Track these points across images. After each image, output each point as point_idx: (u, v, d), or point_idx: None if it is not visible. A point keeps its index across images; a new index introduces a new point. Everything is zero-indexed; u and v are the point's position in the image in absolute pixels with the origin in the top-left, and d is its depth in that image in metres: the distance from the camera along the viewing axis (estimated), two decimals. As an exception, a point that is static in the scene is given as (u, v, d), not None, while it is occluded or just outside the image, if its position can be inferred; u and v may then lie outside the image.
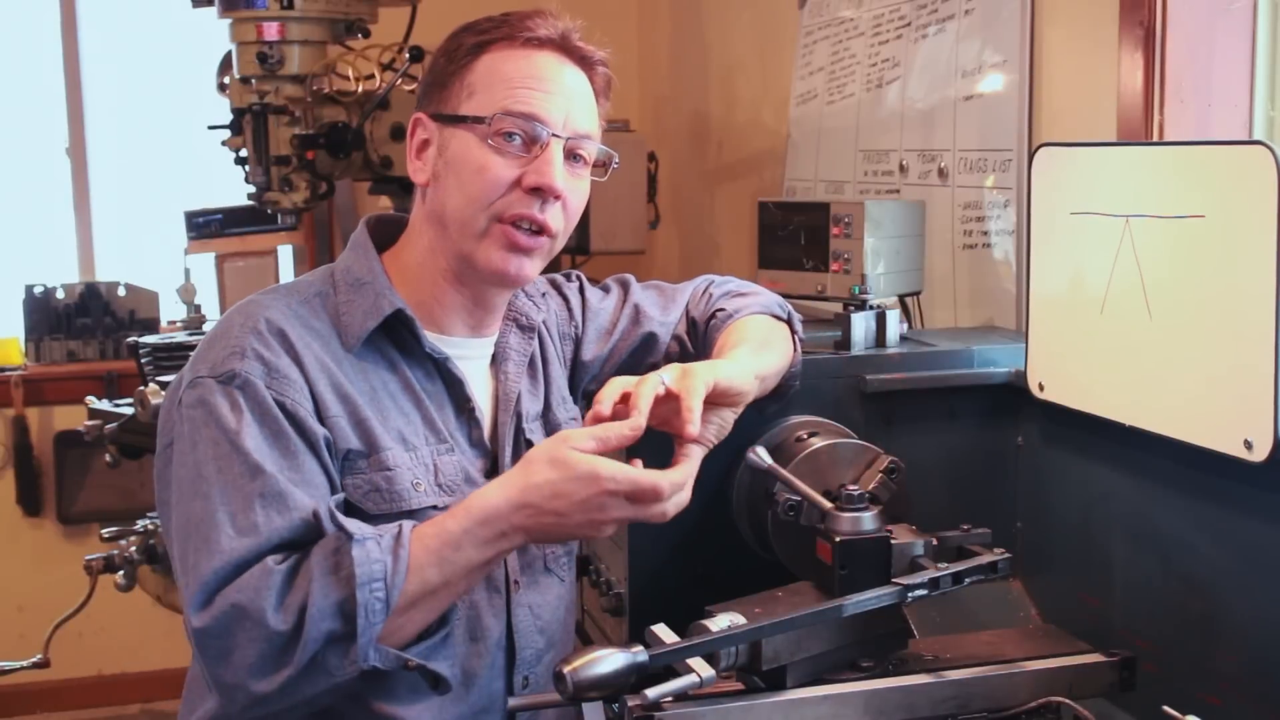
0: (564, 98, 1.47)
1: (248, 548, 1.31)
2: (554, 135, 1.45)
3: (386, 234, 1.57)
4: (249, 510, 1.32)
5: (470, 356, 1.55)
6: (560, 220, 1.48)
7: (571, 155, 1.47)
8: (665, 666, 1.32)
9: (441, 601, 1.36)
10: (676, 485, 1.36)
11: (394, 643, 1.33)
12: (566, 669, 1.21)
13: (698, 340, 1.71)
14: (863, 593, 1.36)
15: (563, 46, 1.48)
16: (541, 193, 1.44)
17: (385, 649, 1.31)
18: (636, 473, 1.33)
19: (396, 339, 1.49)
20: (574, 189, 1.48)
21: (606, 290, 1.76)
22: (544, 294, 1.68)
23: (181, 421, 1.39)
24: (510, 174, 1.44)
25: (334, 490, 1.40)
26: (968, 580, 1.41)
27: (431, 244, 1.50)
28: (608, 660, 1.22)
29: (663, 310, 1.73)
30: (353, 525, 1.34)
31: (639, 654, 1.23)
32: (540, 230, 1.46)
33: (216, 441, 1.36)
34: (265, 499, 1.32)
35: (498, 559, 1.38)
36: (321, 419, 1.40)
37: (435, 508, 1.44)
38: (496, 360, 1.59)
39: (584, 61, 1.50)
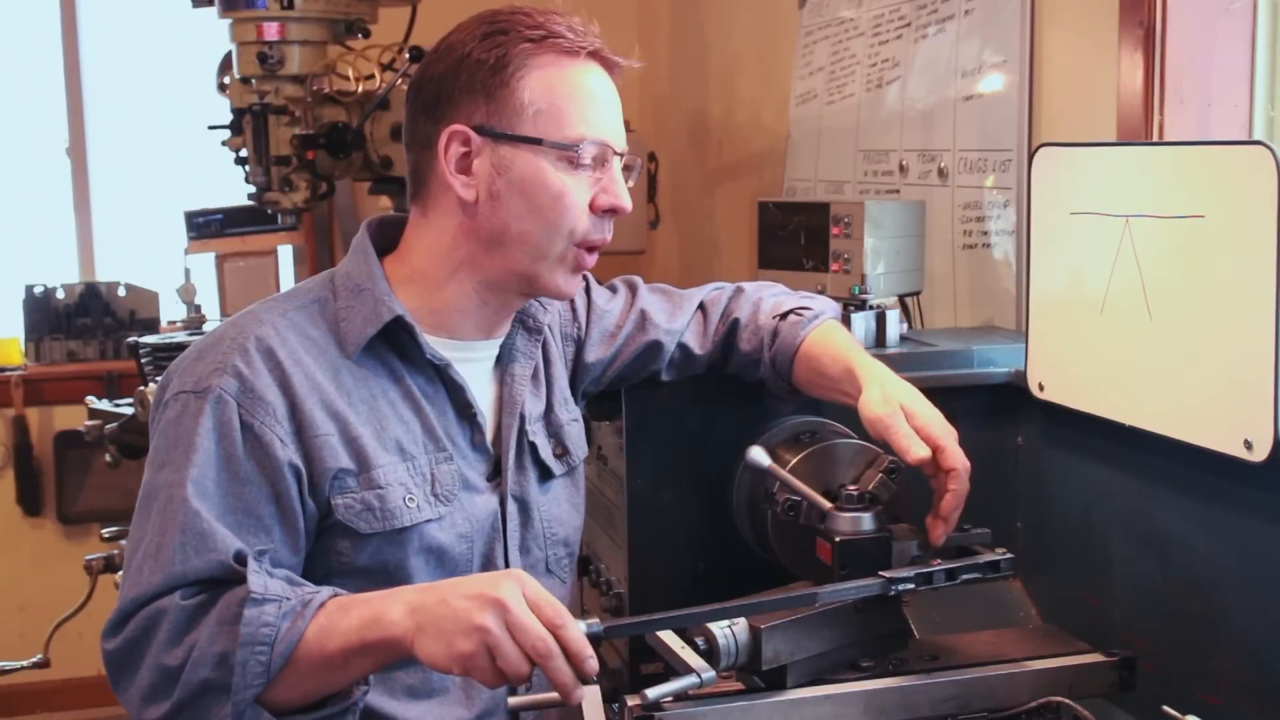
0: (616, 113, 1.49)
1: (160, 582, 1.31)
2: (616, 153, 1.47)
3: (390, 236, 1.54)
4: (170, 544, 1.32)
5: (474, 359, 1.54)
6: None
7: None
8: (665, 666, 1.33)
9: (316, 671, 1.27)
10: (583, 647, 1.22)
11: (278, 703, 1.28)
12: None
13: (745, 339, 1.71)
14: (843, 584, 1.37)
15: (603, 58, 1.49)
16: (615, 213, 1.48)
17: (263, 713, 1.27)
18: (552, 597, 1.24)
19: (396, 345, 1.48)
20: None
21: (614, 290, 1.76)
22: None
23: (155, 435, 1.40)
24: (585, 197, 1.46)
25: (286, 519, 1.37)
26: (962, 577, 1.40)
27: (471, 256, 1.47)
28: None
29: (669, 317, 1.72)
30: (258, 582, 1.29)
31: (593, 625, 1.23)
32: (596, 248, 1.49)
33: (168, 465, 1.36)
34: (186, 535, 1.31)
35: (378, 647, 1.25)
36: (305, 440, 1.39)
37: (429, 522, 1.44)
38: (501, 361, 1.58)
39: (614, 71, 1.51)
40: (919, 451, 1.45)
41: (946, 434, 1.48)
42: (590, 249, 1.49)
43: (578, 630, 1.22)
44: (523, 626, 1.20)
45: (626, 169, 1.52)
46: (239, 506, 1.35)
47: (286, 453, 1.37)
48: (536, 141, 1.43)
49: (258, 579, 1.29)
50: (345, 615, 1.27)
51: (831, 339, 1.65)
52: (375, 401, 1.45)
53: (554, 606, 1.22)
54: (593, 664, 1.22)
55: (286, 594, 1.29)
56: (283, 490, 1.37)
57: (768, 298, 1.74)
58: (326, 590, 1.32)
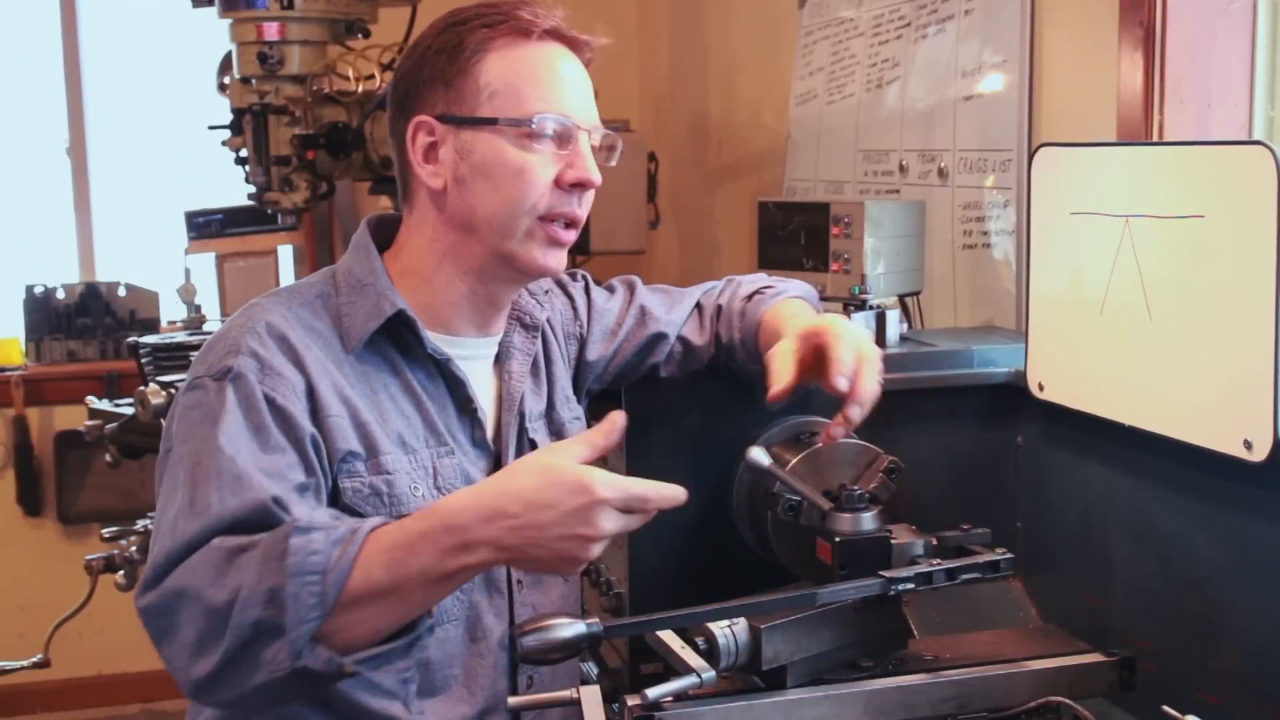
0: (581, 89, 1.49)
1: (198, 528, 1.27)
2: (581, 129, 1.47)
3: (388, 233, 1.56)
4: (206, 493, 1.29)
5: (474, 356, 1.55)
6: (587, 209, 1.51)
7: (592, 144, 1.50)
8: (665, 666, 1.33)
9: (395, 607, 1.25)
10: (671, 498, 1.27)
11: (338, 643, 1.24)
12: (520, 634, 1.22)
13: (724, 324, 1.71)
14: (843, 584, 1.37)
15: (563, 36, 1.49)
16: (582, 187, 1.47)
17: (320, 649, 1.22)
18: (630, 482, 1.25)
19: (398, 340, 1.49)
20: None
21: (612, 290, 1.77)
22: (547, 292, 1.68)
23: (172, 423, 1.39)
24: (549, 173, 1.45)
25: (317, 488, 1.37)
26: (962, 577, 1.40)
27: (452, 247, 1.49)
28: (568, 628, 1.22)
29: (668, 310, 1.73)
30: (303, 513, 1.29)
31: (593, 625, 1.24)
32: (572, 223, 1.49)
33: (194, 437, 1.34)
34: (222, 479, 1.29)
35: (462, 574, 1.26)
36: (319, 419, 1.39)
37: None
38: (500, 359, 1.59)
39: (580, 49, 1.51)
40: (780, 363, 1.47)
41: (837, 330, 1.48)
42: (568, 225, 1.48)
43: (659, 493, 1.25)
44: (626, 528, 1.25)
45: (609, 149, 1.53)
46: (269, 469, 1.33)
47: (308, 425, 1.37)
48: (493, 122, 1.44)
49: (301, 508, 1.29)
50: (414, 555, 1.24)
51: (789, 307, 1.64)
52: (376, 396, 1.46)
53: (641, 496, 1.25)
54: (682, 496, 1.28)
55: (332, 523, 1.27)
56: (310, 460, 1.37)
57: (746, 284, 1.75)
58: (374, 519, 1.30)
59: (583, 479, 1.23)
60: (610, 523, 1.23)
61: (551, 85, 1.46)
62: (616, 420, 1.30)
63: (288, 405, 1.37)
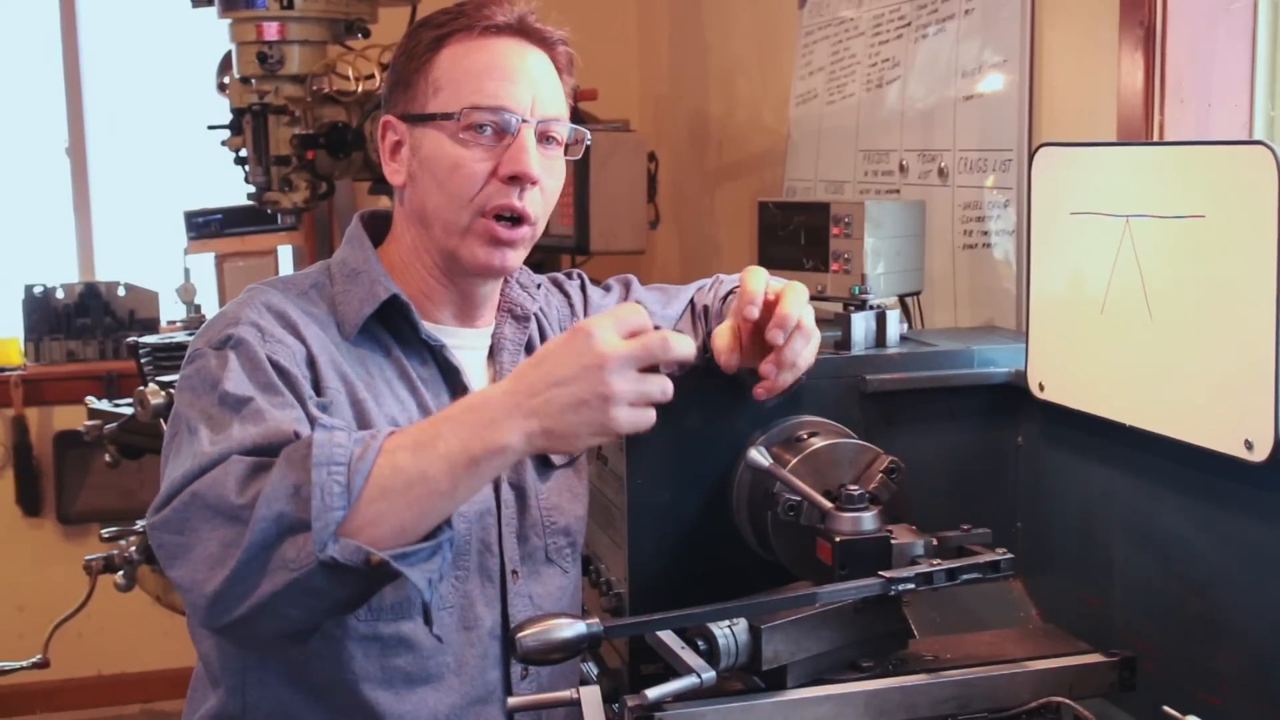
0: (529, 82, 1.48)
1: (218, 451, 1.26)
2: (523, 121, 1.46)
3: (380, 228, 1.59)
4: (225, 425, 1.29)
5: (466, 347, 1.57)
6: (539, 205, 1.49)
7: (543, 138, 1.49)
8: (665, 666, 1.33)
9: (421, 499, 1.23)
10: (685, 352, 1.27)
11: (364, 540, 1.21)
12: (520, 633, 1.21)
13: (710, 325, 1.72)
14: (843, 584, 1.36)
15: (521, 30, 1.49)
16: (519, 180, 1.45)
17: (346, 540, 1.20)
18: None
19: (392, 327, 1.51)
20: (549, 171, 1.50)
21: (608, 289, 1.79)
22: (539, 285, 1.69)
23: (180, 394, 1.40)
24: (485, 166, 1.45)
25: None
26: (962, 577, 1.40)
27: (415, 242, 1.52)
28: (568, 628, 1.22)
29: (663, 305, 1.75)
30: (325, 418, 1.31)
31: (593, 625, 1.23)
32: (520, 220, 1.47)
33: (201, 399, 1.35)
34: (241, 413, 1.30)
35: (488, 458, 1.24)
36: (318, 389, 1.40)
37: None
38: (494, 353, 1.60)
39: (544, 42, 1.51)
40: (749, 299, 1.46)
41: (751, 272, 1.50)
42: (515, 222, 1.47)
43: (679, 344, 1.26)
44: (645, 393, 1.25)
45: (575, 142, 1.53)
46: (287, 417, 1.32)
47: (309, 390, 1.38)
48: (432, 117, 1.46)
49: (324, 417, 1.31)
50: (439, 438, 1.23)
51: None
52: (372, 379, 1.47)
53: (647, 345, 1.24)
54: (693, 351, 1.29)
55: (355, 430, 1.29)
56: (314, 416, 1.36)
57: (728, 283, 1.76)
58: (389, 428, 1.30)
59: (586, 326, 1.24)
60: (624, 382, 1.23)
61: (490, 78, 1.46)
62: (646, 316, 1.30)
63: (291, 367, 1.37)
